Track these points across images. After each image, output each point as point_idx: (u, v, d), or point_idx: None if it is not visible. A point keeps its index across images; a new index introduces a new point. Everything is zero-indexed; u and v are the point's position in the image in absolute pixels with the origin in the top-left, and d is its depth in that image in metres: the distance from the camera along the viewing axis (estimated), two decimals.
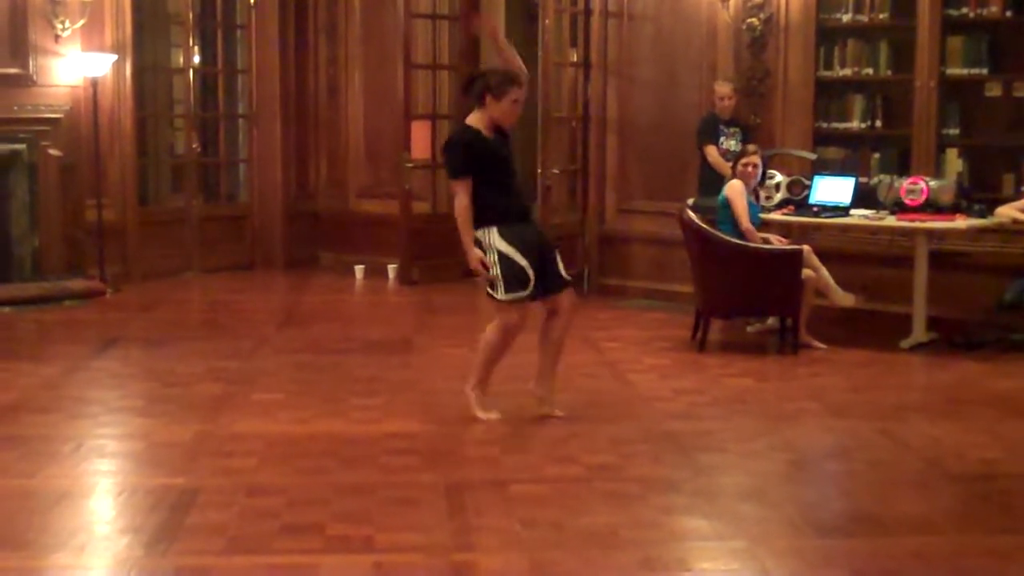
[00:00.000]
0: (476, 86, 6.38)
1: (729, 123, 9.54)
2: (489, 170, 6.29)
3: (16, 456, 5.91)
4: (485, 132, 6.33)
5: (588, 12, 10.50)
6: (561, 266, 6.50)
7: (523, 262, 6.26)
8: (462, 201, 6.28)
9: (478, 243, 6.28)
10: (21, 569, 4.53)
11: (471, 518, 5.09)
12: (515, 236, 6.28)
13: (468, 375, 6.64)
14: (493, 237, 6.26)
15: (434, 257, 11.24)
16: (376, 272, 11.34)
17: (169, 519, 5.01)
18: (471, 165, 6.28)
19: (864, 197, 8.74)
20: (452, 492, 5.40)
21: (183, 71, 11.89)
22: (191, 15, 11.70)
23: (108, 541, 4.91)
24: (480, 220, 6.27)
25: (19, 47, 10.10)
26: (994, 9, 9.06)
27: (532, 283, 6.30)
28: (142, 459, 6.09)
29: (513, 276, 6.27)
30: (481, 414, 6.53)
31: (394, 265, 11.27)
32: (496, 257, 6.26)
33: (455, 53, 11.48)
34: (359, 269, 11.44)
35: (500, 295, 6.31)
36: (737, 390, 7.34)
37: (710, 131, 9.49)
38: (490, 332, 6.48)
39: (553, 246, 6.56)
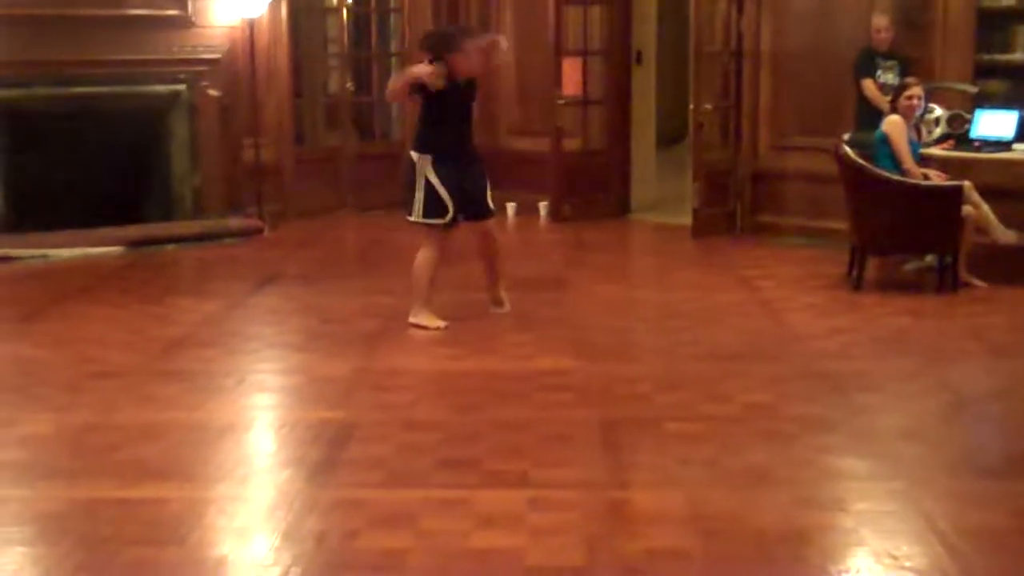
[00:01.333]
0: (433, 47, 7.15)
1: (887, 56, 9.31)
2: (439, 109, 7.08)
3: (180, 390, 6.10)
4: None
5: None
6: (489, 198, 7.37)
7: (445, 195, 7.07)
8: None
9: (411, 166, 7.14)
10: (187, 499, 4.67)
11: (625, 455, 5.11)
12: (446, 172, 7.08)
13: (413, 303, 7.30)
14: (427, 166, 7.08)
15: (585, 194, 11.23)
16: (527, 209, 11.36)
17: (328, 452, 5.12)
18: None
19: None
20: (606, 429, 5.42)
21: (337, 10, 11.99)
22: None
23: (270, 473, 5.05)
24: (420, 147, 7.12)
25: None
26: None
27: (450, 215, 7.13)
28: (301, 394, 6.23)
29: (432, 204, 7.09)
30: (430, 322, 7.21)
31: (545, 202, 11.28)
32: (423, 183, 7.09)
33: None
34: (511, 206, 11.47)
35: (414, 217, 7.17)
36: (894, 329, 7.21)
37: (867, 64, 9.28)
38: (417, 256, 7.27)
39: (483, 183, 7.34)
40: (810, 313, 7.64)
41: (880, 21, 9.30)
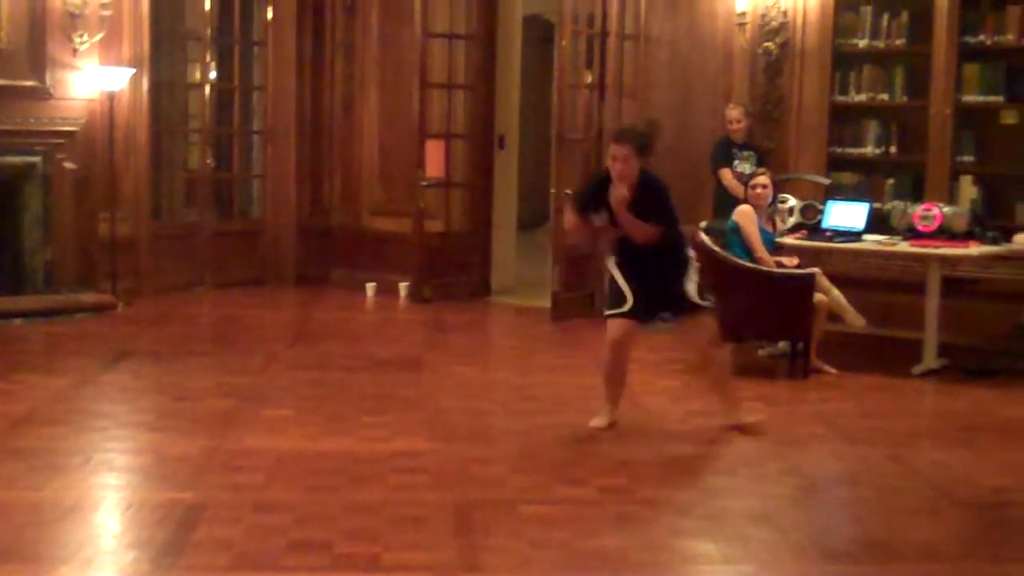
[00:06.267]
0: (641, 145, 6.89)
1: (743, 147, 9.54)
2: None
3: (25, 468, 5.91)
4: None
5: (604, 34, 10.49)
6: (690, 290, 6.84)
7: (624, 285, 6.76)
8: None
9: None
10: None
11: (479, 538, 5.08)
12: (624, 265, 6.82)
13: None
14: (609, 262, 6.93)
15: (446, 275, 11.26)
16: (388, 290, 11.34)
17: (176, 534, 5.00)
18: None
19: (877, 223, 8.73)
20: (460, 511, 5.38)
21: (199, 86, 11.92)
22: (208, 31, 11.74)
23: (115, 555, 4.91)
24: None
25: (37, 60, 10.12)
26: (1011, 36, 9.06)
27: (629, 304, 6.72)
28: (150, 473, 6.09)
29: (611, 295, 6.87)
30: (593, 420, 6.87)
31: (406, 283, 11.26)
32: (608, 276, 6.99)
33: (471, 72, 11.48)
34: (370, 287, 11.44)
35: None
36: (747, 414, 7.29)
37: (723, 154, 9.50)
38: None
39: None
40: (666, 397, 7.72)
41: (734, 112, 9.54)
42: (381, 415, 7.08)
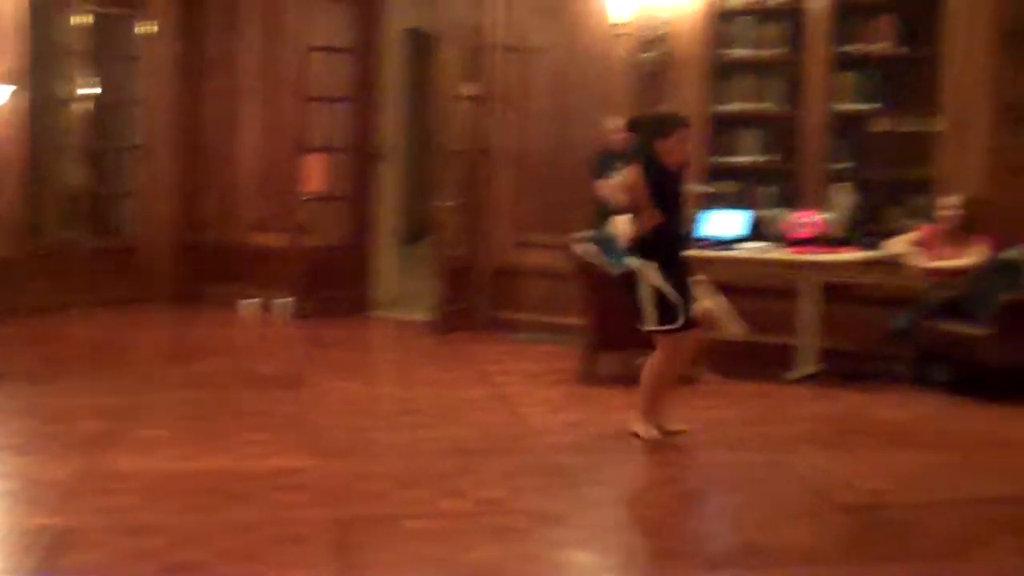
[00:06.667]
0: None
1: (623, 157, 9.55)
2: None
3: None
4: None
5: (485, 46, 10.49)
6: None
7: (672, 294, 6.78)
8: None
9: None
10: None
11: (360, 554, 5.01)
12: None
13: None
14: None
15: (327, 290, 11.14)
16: (268, 306, 11.20)
17: (44, 561, 4.85)
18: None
19: (755, 230, 8.81)
20: (342, 528, 5.31)
21: (75, 102, 11.67)
22: (85, 45, 11.51)
23: None
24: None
25: None
26: (885, 45, 9.21)
27: (683, 317, 6.78)
28: (18, 498, 5.90)
29: (660, 307, 6.83)
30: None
31: (286, 299, 11.13)
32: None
33: (351, 86, 11.39)
34: (250, 303, 11.29)
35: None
36: (627, 423, 7.31)
37: (603, 165, 9.51)
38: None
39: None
40: (546, 408, 7.71)
41: (611, 123, 9.55)
42: (260, 432, 6.96)
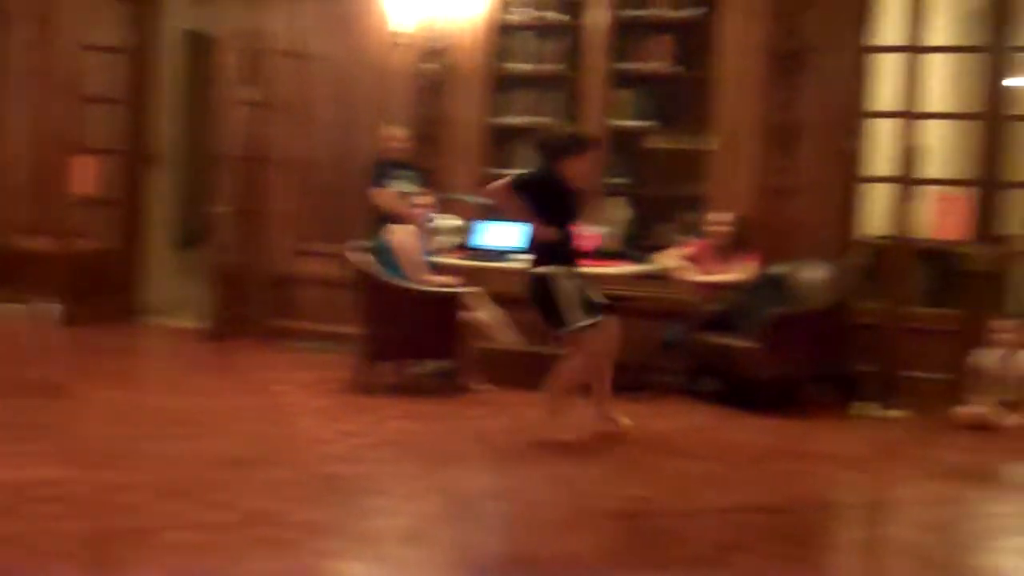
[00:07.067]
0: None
1: (402, 166, 9.54)
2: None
3: None
4: None
5: (266, 50, 10.33)
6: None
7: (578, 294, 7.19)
8: None
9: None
10: None
11: (114, 569, 4.86)
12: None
13: None
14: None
15: (97, 295, 10.79)
16: (34, 312, 10.79)
17: None
18: None
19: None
20: (98, 541, 5.12)
21: None
22: None
23: None
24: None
25: None
26: (660, 64, 9.40)
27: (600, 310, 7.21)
28: None
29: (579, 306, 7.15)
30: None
31: (53, 305, 10.74)
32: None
33: (125, 87, 11.09)
34: (15, 309, 10.86)
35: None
36: (401, 432, 7.31)
37: (381, 173, 9.47)
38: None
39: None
40: (320, 417, 7.63)
41: (391, 131, 9.54)
42: (15, 444, 6.65)
